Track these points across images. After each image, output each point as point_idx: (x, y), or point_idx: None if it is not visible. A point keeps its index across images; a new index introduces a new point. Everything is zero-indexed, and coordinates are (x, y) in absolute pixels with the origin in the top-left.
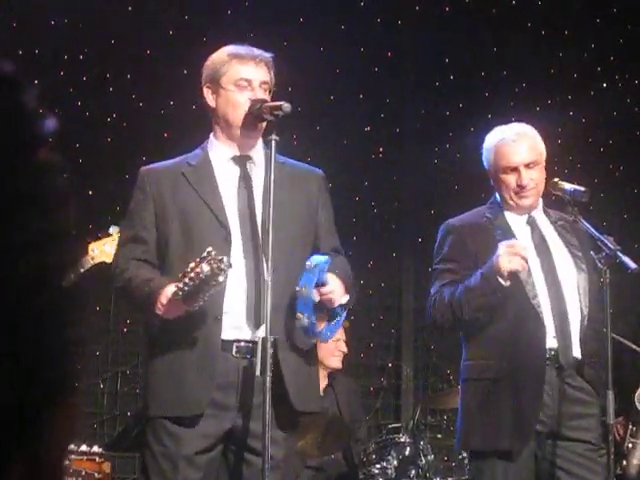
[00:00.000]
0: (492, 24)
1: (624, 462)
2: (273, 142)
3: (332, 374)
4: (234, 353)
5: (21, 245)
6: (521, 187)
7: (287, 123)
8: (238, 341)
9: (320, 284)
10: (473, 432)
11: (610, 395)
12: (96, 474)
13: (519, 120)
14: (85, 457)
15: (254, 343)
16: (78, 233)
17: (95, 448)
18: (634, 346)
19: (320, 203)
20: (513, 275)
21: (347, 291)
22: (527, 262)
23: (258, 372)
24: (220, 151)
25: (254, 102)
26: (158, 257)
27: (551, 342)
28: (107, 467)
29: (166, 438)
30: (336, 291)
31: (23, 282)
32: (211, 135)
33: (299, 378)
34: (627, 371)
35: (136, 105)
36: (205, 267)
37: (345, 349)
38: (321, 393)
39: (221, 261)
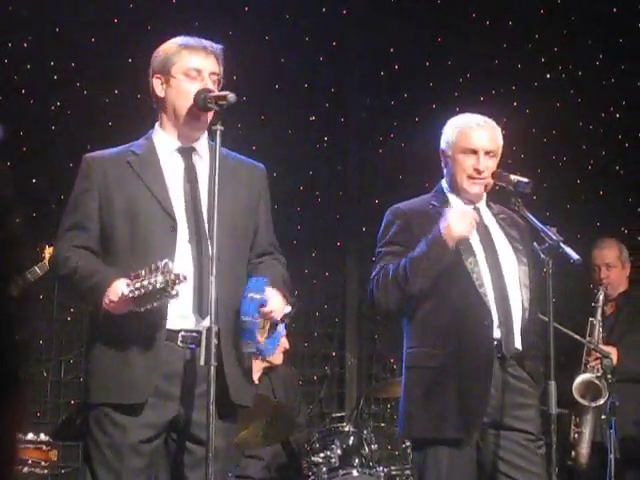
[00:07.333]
0: (437, 14)
1: (572, 453)
2: (218, 132)
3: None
4: (179, 342)
5: None
6: (477, 171)
7: (232, 113)
8: (183, 330)
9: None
10: (416, 419)
11: (552, 386)
12: (43, 462)
13: (463, 110)
14: (32, 445)
15: (199, 333)
16: (24, 241)
17: (42, 436)
18: (576, 336)
19: (262, 197)
20: (459, 241)
21: (287, 301)
22: (475, 223)
23: (202, 362)
24: (166, 141)
25: (199, 92)
26: (101, 247)
27: (495, 332)
28: (54, 455)
29: (110, 427)
30: (278, 308)
31: None
32: (156, 125)
33: (237, 371)
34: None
35: (80, 94)
36: (160, 278)
37: (287, 345)
38: (256, 381)
39: (177, 276)
